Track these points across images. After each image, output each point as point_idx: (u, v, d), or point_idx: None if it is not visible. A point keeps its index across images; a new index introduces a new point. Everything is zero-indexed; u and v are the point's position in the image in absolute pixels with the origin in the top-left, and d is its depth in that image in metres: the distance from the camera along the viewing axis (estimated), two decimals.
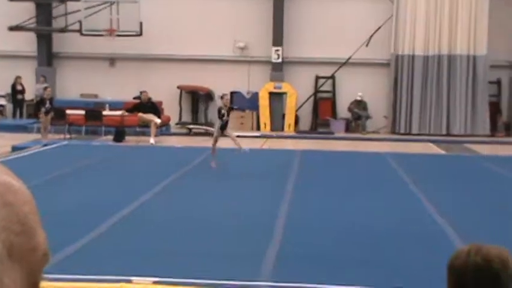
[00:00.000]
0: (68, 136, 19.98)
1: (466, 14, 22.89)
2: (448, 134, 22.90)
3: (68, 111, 20.61)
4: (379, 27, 23.31)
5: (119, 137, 19.49)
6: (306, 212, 9.74)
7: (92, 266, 6.66)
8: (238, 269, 6.69)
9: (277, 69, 23.85)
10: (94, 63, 24.45)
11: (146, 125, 19.72)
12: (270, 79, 23.84)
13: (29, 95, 23.76)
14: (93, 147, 18.09)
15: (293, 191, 11.44)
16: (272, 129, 23.36)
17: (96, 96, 24.10)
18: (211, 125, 23.79)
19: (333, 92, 24.31)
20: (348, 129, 23.85)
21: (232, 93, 24.50)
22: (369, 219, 9.22)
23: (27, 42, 24.22)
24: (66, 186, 11.55)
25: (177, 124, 23.75)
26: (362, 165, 15.45)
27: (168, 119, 22.55)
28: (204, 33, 24.01)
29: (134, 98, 22.15)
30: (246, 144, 19.42)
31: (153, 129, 19.25)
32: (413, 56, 23.20)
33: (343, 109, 23.99)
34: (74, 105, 21.63)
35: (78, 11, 22.90)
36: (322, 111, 24.28)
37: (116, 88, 24.00)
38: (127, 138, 19.69)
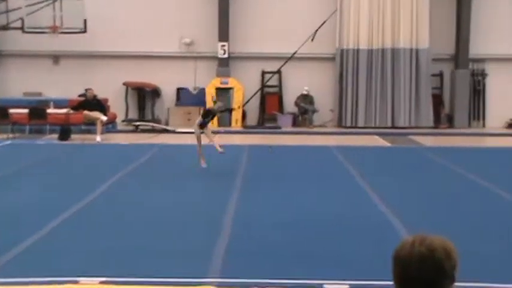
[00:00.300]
0: (11, 135, 19.62)
1: (408, 8, 23.25)
2: (393, 127, 23.25)
3: (11, 110, 20.26)
4: (324, 22, 23.49)
5: (64, 135, 19.21)
6: (254, 206, 9.77)
7: (37, 267, 6.55)
8: (187, 266, 6.67)
9: (224, 65, 23.83)
10: (37, 61, 24.06)
11: (92, 122, 19.49)
12: (216, 75, 23.81)
13: None
14: (38, 146, 17.80)
15: (241, 186, 11.45)
16: (219, 125, 23.34)
17: (40, 94, 23.71)
18: (158, 121, 23.69)
19: (280, 86, 24.41)
20: (295, 123, 24.00)
21: (178, 89, 24.42)
22: (316, 213, 9.30)
23: None
24: (10, 187, 11.34)
25: (123, 121, 23.55)
26: (309, 159, 15.57)
27: (114, 116, 22.33)
28: (150, 30, 23.85)
29: (79, 96, 21.87)
30: (194, 140, 19.35)
31: (99, 127, 19.05)
32: (357, 50, 23.46)
33: (289, 103, 24.11)
34: (17, 104, 21.25)
35: (20, 8, 22.47)
36: (269, 106, 24.36)
37: (60, 86, 23.67)
38: (72, 136, 19.42)
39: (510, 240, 7.94)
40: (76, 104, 19.93)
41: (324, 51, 23.90)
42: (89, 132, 19.87)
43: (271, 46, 23.78)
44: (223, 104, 13.50)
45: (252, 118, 24.36)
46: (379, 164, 14.92)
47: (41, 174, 12.82)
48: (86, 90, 20.34)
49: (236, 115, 23.58)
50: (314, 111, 23.72)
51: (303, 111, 23.75)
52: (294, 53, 23.59)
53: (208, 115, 13.46)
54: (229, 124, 23.53)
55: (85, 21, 22.40)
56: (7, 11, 23.19)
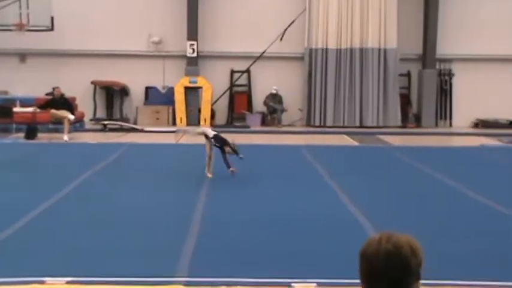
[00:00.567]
0: None
1: (376, 8, 23.41)
2: (361, 126, 23.39)
3: None
4: (293, 22, 23.56)
5: (31, 134, 19.00)
6: (223, 205, 9.76)
7: (2, 268, 6.47)
8: (155, 265, 6.64)
9: (193, 64, 23.77)
10: (3, 59, 23.76)
11: (59, 121, 19.31)
12: (185, 74, 23.74)
13: None
14: (4, 145, 17.57)
15: (209, 185, 11.43)
16: (188, 124, 23.28)
17: (6, 92, 23.39)
18: (126, 120, 23.53)
19: (249, 86, 24.41)
20: (263, 122, 24.02)
21: (147, 88, 24.31)
22: (285, 212, 9.32)
23: None
24: None
25: (91, 120, 23.37)
26: (278, 158, 15.60)
27: (82, 115, 22.15)
28: (118, 28, 23.70)
29: (47, 94, 21.65)
30: (162, 139, 19.30)
31: (66, 126, 18.89)
32: (326, 50, 23.56)
33: (258, 103, 24.14)
34: None
35: None
36: (238, 105, 24.35)
37: (27, 84, 23.40)
38: (39, 135, 19.21)
39: (476, 239, 8.03)
40: (43, 103, 19.72)
41: (293, 50, 23.97)
42: (56, 131, 19.68)
43: (240, 45, 23.78)
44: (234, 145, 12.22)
45: (221, 117, 24.33)
46: (348, 163, 14.99)
47: (7, 174, 12.65)
48: (54, 88, 20.14)
49: (205, 114, 23.53)
50: (283, 110, 23.78)
51: (272, 111, 23.78)
52: (263, 53, 23.62)
53: (221, 143, 12.28)
54: (198, 123, 23.47)
55: (52, 18, 22.18)
56: None
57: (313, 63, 23.65)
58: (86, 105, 22.92)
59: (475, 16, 24.16)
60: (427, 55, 24.11)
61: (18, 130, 19.82)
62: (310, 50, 23.67)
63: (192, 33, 23.61)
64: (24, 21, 22.10)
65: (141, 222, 8.69)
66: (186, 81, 23.57)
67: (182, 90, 23.57)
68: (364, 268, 2.35)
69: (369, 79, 23.45)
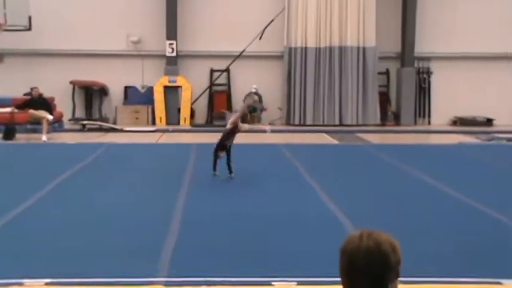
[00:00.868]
0: None
1: (355, 6, 23.48)
2: (341, 124, 23.45)
3: None
4: (272, 20, 23.58)
5: (9, 134, 18.85)
6: (203, 204, 9.75)
7: None
8: (135, 265, 6.61)
9: (172, 63, 23.70)
10: None
11: (38, 122, 19.19)
12: (164, 73, 23.67)
13: None
14: None
15: (190, 184, 11.42)
16: (168, 123, 23.22)
17: None
18: (105, 120, 23.42)
19: (228, 85, 24.39)
20: (243, 121, 23.93)
21: (126, 87, 24.20)
22: (264, 210, 9.33)
23: None
24: None
25: (70, 120, 23.22)
26: (257, 157, 15.61)
27: (61, 115, 22.02)
28: (97, 27, 23.57)
29: (25, 94, 21.49)
30: (142, 139, 19.25)
31: (45, 126, 18.77)
32: (305, 48, 23.59)
33: (238, 102, 24.11)
34: None
35: None
36: (218, 104, 24.32)
37: (4, 84, 23.18)
38: (17, 136, 19.06)
39: (455, 237, 8.08)
40: (21, 103, 19.57)
41: (272, 49, 23.98)
42: (34, 131, 19.54)
43: (219, 44, 23.76)
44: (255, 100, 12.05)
45: (201, 116, 24.30)
46: (327, 162, 15.03)
47: None
48: (32, 88, 20.00)
49: (184, 113, 23.48)
50: (262, 109, 23.79)
51: (252, 110, 23.77)
52: (242, 52, 23.61)
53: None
54: (178, 122, 23.43)
55: (30, 18, 22.02)
56: None
57: (293, 61, 23.68)
58: (64, 105, 22.78)
59: (452, 15, 24.33)
60: (406, 53, 24.23)
61: None
62: (290, 48, 23.70)
63: (171, 33, 23.54)
64: (1, 20, 21.90)
65: (120, 222, 8.65)
66: (165, 81, 23.51)
67: (161, 90, 23.50)
68: (345, 264, 2.36)
69: (348, 77, 23.52)
